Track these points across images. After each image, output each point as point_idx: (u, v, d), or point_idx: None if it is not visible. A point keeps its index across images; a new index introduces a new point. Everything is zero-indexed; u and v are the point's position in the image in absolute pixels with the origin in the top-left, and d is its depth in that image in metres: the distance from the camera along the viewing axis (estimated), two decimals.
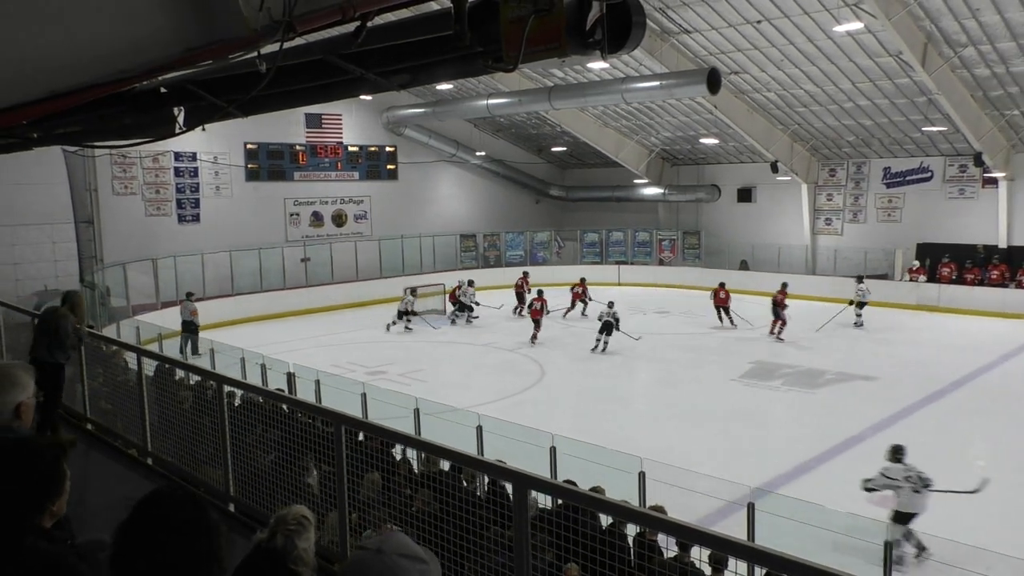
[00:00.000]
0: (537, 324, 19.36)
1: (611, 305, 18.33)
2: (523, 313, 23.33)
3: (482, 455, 7.95)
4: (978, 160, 22.41)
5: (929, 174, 25.22)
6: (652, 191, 30.98)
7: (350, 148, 28.59)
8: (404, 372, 16.25)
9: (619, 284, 29.52)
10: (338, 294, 25.38)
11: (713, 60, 20.76)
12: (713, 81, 18.02)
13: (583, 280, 24.11)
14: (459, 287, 23.47)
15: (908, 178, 25.71)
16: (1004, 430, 12.28)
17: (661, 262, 30.71)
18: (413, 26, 3.37)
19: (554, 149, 32.92)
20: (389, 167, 29.79)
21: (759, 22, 18.58)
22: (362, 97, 24.48)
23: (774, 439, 11.96)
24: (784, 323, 19.33)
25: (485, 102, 23.58)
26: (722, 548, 2.99)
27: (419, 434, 8.48)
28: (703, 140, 27.73)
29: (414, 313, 21.49)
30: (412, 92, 26.72)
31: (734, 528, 6.68)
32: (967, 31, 17.36)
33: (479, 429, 8.66)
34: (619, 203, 32.71)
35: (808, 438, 11.71)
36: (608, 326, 17.86)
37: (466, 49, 3.08)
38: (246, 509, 5.30)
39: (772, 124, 25.11)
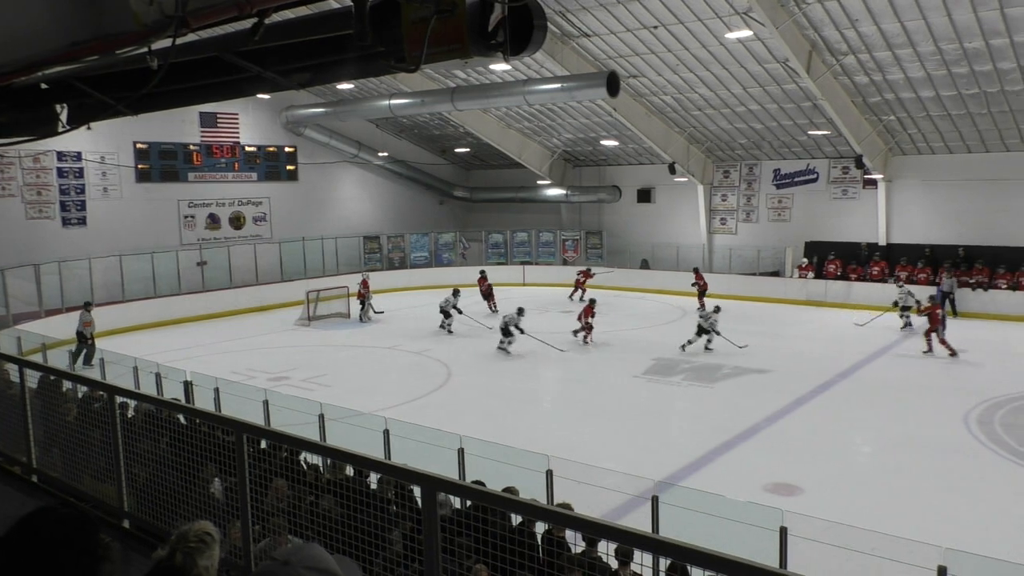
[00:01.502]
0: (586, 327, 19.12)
1: (717, 310, 18.50)
2: (495, 309, 23.33)
3: (389, 459, 7.87)
4: (859, 162, 23.70)
5: (815, 175, 26.53)
6: (555, 192, 31.40)
7: (247, 148, 27.78)
8: (308, 377, 15.91)
9: (524, 284, 29.77)
10: (237, 298, 24.60)
11: (612, 63, 21.20)
12: (612, 84, 18.43)
13: (589, 270, 26.00)
14: (365, 286, 23.19)
15: (796, 179, 26.96)
16: (887, 417, 13.02)
17: (565, 262, 31.13)
18: (313, 24, 3.31)
19: (458, 150, 32.91)
20: (289, 168, 29.09)
21: (655, 27, 19.09)
22: (260, 96, 23.83)
23: (676, 433, 12.32)
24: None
25: (387, 102, 23.35)
26: (628, 541, 3.05)
27: (324, 440, 8.32)
28: (604, 142, 28.29)
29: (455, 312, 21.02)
30: (312, 91, 26.20)
31: (639, 521, 6.84)
32: (847, 40, 18.33)
33: (386, 433, 8.57)
34: (523, 204, 32.99)
35: (708, 431, 12.11)
36: (700, 329, 18.00)
37: (368, 49, 3.04)
38: (144, 525, 5.07)
39: (669, 127, 25.85)
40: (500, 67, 20.93)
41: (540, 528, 5.70)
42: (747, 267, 27.21)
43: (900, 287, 21.22)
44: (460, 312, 21.29)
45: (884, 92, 20.65)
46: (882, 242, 25.12)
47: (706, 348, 18.01)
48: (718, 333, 18.02)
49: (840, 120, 21.36)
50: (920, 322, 19.00)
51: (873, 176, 24.38)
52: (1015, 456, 10.89)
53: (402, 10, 2.91)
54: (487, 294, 24.11)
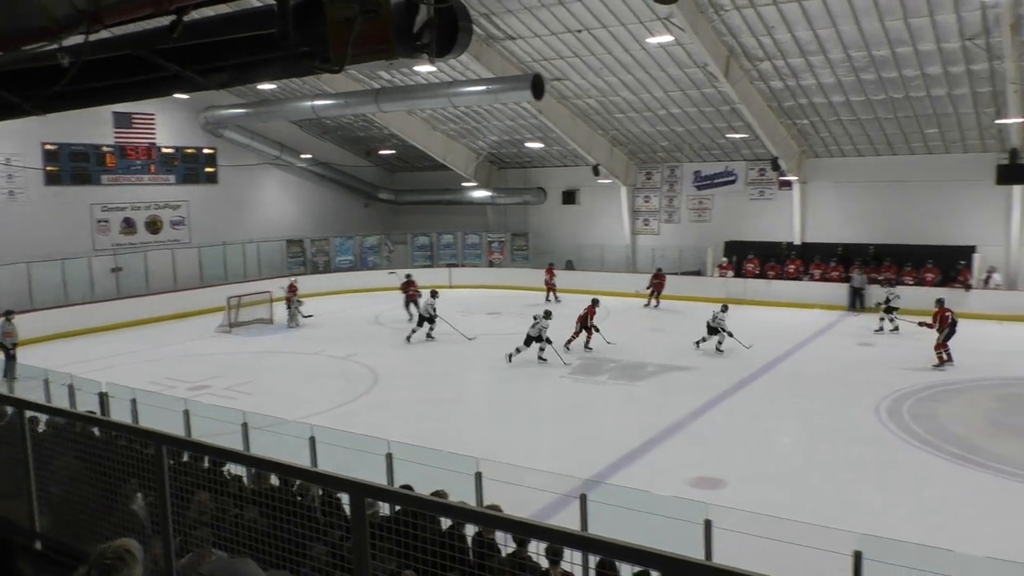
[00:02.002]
0: (588, 331, 18.24)
1: (724, 309, 18.32)
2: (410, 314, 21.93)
3: (316, 467, 7.74)
4: (775, 164, 24.53)
5: (734, 177, 27.31)
6: (481, 194, 31.44)
7: (164, 150, 26.87)
8: (230, 386, 15.51)
9: (450, 287, 29.69)
10: (155, 306, 23.78)
11: (537, 66, 21.35)
12: (537, 87, 18.57)
13: (552, 265, 26.17)
14: (292, 291, 22.70)
15: (716, 181, 27.70)
16: (804, 409, 13.49)
17: (491, 264, 31.22)
18: (234, 23, 3.23)
19: (382, 152, 32.61)
20: (208, 170, 28.27)
21: (579, 31, 19.32)
22: (177, 96, 23.11)
23: (603, 431, 12.47)
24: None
25: (310, 103, 22.97)
26: (557, 540, 3.08)
27: (248, 450, 8.13)
28: (529, 144, 28.46)
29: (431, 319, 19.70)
30: (232, 92, 25.57)
31: (569, 520, 6.91)
32: (764, 47, 18.92)
33: (312, 440, 8.42)
34: (448, 206, 32.92)
35: (634, 428, 12.31)
36: (712, 330, 17.77)
37: (291, 49, 2.99)
38: (58, 546, 4.85)
39: (593, 129, 26.19)
40: (425, 69, 20.86)
41: (470, 531, 5.69)
42: (670, 266, 27.76)
43: (887, 287, 20.99)
44: (436, 315, 19.76)
45: (798, 97, 21.39)
46: (797, 241, 26.03)
47: (717, 349, 17.76)
48: (729, 333, 17.75)
49: (757, 124, 22.04)
50: (907, 328, 18.87)
51: (788, 178, 25.24)
52: (923, 444, 11.42)
53: (326, 10, 2.87)
54: (413, 299, 22.61)
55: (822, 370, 16.34)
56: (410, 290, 22.89)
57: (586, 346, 18.26)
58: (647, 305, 24.87)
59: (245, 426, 9.00)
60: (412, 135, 27.99)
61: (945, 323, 16.38)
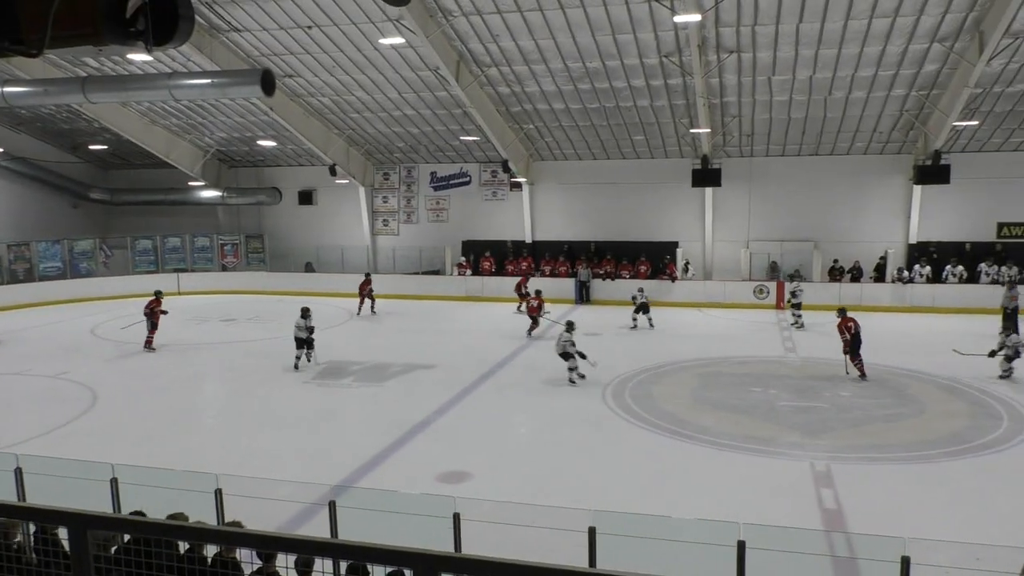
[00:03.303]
0: (535, 321, 19.85)
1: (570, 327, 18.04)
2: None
3: (24, 500, 6.88)
4: (505, 167, 25.75)
5: (468, 178, 28.27)
6: (210, 194, 29.64)
7: None
8: None
9: (179, 293, 27.68)
10: None
11: (266, 61, 20.55)
12: (267, 82, 17.68)
13: (368, 275, 24.21)
14: None
15: (451, 182, 28.49)
16: (540, 398, 14.29)
17: (224, 268, 29.55)
18: None
19: (93, 147, 29.48)
20: None
21: (310, 27, 18.86)
22: None
23: (350, 435, 12.31)
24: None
25: (0, 90, 20.13)
26: (305, 550, 3.00)
27: None
28: (261, 142, 27.33)
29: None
30: None
31: (319, 528, 6.75)
32: (491, 53, 19.75)
33: (18, 472, 7.43)
34: (174, 207, 30.66)
35: (381, 429, 12.29)
36: (569, 324, 15.69)
37: None
38: None
39: (328, 128, 25.74)
40: (140, 57, 19.20)
41: (212, 552, 5.37)
42: (410, 266, 28.17)
43: (792, 282, 21.16)
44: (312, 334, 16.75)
45: (524, 103, 22.60)
46: (529, 240, 27.55)
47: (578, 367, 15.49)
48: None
49: (487, 127, 22.97)
50: (811, 321, 19.79)
51: (518, 180, 26.63)
52: (642, 422, 12.60)
53: None
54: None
55: (555, 361, 17.39)
56: (156, 309, 18.68)
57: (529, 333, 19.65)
58: (372, 312, 23.56)
59: None
60: (128, 129, 25.64)
61: (848, 332, 15.13)
